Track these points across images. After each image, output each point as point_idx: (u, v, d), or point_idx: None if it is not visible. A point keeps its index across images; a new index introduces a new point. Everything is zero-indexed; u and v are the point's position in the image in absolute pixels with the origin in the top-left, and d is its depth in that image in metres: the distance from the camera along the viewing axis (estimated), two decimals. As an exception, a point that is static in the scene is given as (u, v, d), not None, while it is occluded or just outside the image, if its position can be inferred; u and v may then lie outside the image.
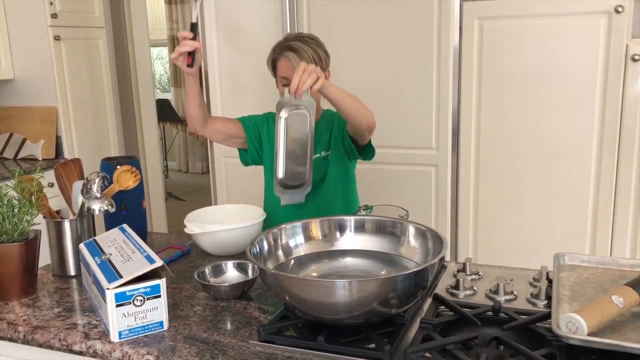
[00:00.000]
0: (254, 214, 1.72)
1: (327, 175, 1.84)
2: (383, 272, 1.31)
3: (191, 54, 1.54)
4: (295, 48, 1.69)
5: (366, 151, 1.79)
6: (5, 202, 1.33)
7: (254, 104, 2.72)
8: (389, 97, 2.47)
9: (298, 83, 1.42)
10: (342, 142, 1.79)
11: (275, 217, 1.79)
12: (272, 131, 1.85)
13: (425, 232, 1.30)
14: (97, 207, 1.49)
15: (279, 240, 1.34)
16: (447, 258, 2.44)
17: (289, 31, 2.55)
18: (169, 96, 6.89)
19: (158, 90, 7.28)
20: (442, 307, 1.23)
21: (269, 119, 1.89)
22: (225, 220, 1.71)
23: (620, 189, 2.24)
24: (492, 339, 1.10)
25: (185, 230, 1.63)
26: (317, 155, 1.82)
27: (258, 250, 1.26)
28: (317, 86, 1.45)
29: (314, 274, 1.32)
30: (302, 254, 1.35)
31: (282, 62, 1.72)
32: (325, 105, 1.88)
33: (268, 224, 1.67)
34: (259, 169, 2.84)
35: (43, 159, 3.16)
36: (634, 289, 1.09)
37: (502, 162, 2.37)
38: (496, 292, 1.29)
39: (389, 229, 1.36)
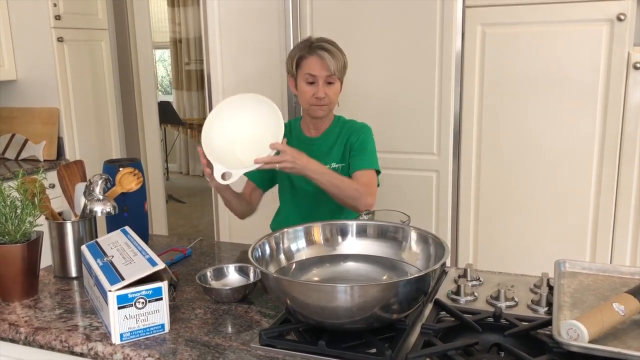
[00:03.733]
0: (266, 112, 1.61)
1: None
2: (384, 277, 1.31)
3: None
4: (331, 50, 1.72)
5: None
6: (8, 203, 1.33)
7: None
8: (391, 101, 2.48)
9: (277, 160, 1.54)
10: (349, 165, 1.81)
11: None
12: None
13: (427, 238, 1.30)
14: (99, 209, 1.49)
15: (280, 244, 1.34)
16: (448, 264, 2.44)
17: (291, 33, 2.56)
18: (170, 98, 6.90)
19: (160, 93, 7.29)
20: (443, 312, 1.23)
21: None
22: (241, 130, 1.64)
23: (621, 196, 2.24)
24: (492, 345, 1.10)
25: (221, 181, 1.57)
26: (327, 167, 1.79)
27: (260, 254, 1.26)
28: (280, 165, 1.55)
29: (316, 278, 1.32)
30: (304, 258, 1.35)
31: (312, 59, 1.72)
32: (339, 111, 1.87)
33: None
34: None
35: (44, 160, 3.16)
36: (635, 297, 1.09)
37: (503, 167, 2.38)
38: (497, 298, 1.29)
39: (391, 234, 1.36)
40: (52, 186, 2.62)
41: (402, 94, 2.46)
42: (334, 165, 1.81)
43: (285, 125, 1.91)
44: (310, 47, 1.74)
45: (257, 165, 1.52)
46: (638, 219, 2.24)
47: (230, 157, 1.60)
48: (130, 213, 1.68)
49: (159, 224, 4.14)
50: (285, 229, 1.36)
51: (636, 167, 2.20)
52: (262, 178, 1.91)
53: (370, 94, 2.50)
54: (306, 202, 1.85)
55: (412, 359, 1.02)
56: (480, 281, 1.41)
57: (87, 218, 1.52)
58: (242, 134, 1.64)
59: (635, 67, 2.13)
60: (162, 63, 7.42)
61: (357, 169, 1.77)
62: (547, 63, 2.24)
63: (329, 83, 1.74)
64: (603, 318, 1.03)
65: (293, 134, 1.88)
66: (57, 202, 1.99)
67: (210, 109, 2.82)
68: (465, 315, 1.19)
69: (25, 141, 3.21)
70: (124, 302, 1.15)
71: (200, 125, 6.84)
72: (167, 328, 1.21)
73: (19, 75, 3.22)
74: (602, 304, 1.07)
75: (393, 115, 2.49)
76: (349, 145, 1.81)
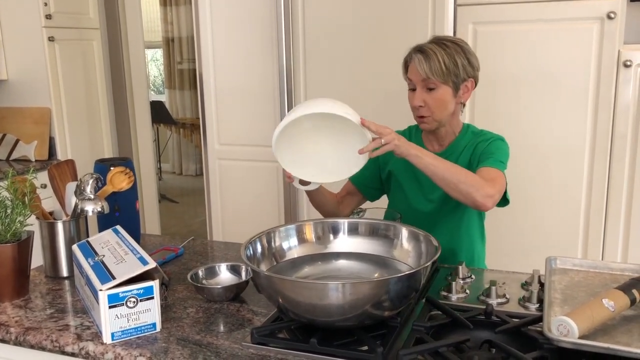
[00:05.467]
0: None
1: (458, 205, 1.59)
2: (376, 275, 1.31)
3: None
4: (425, 50, 1.53)
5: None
6: (-2, 202, 1.33)
7: (248, 106, 2.72)
8: (383, 101, 2.48)
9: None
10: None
11: None
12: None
13: (418, 235, 1.31)
14: (90, 208, 1.49)
15: (272, 243, 1.34)
16: (440, 261, 2.44)
17: (283, 33, 2.56)
18: (163, 98, 6.88)
19: (152, 92, 7.27)
20: (435, 310, 1.24)
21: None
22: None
23: (612, 193, 2.25)
24: (484, 341, 1.10)
25: (297, 185, 1.44)
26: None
27: (252, 252, 1.27)
28: (377, 153, 1.34)
29: (307, 276, 1.32)
30: (296, 256, 1.36)
31: (411, 65, 1.58)
32: (464, 117, 1.73)
33: None
34: (253, 171, 2.84)
35: (36, 160, 3.15)
36: (625, 293, 1.10)
37: (495, 166, 2.38)
38: (488, 295, 1.29)
39: (383, 232, 1.37)
40: (44, 186, 2.61)
41: (395, 93, 2.46)
42: None
43: (404, 132, 1.77)
44: (412, 50, 1.58)
45: (342, 177, 1.39)
46: (629, 215, 2.25)
47: (311, 159, 1.43)
48: (121, 212, 1.67)
49: (152, 224, 4.13)
50: (277, 227, 1.36)
51: (627, 164, 2.22)
52: (367, 186, 1.75)
53: (361, 92, 2.50)
54: (423, 224, 1.55)
55: (404, 356, 1.03)
56: (471, 278, 1.42)
57: (78, 217, 1.51)
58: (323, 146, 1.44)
59: (626, 65, 2.14)
60: (155, 62, 7.39)
61: (480, 167, 1.52)
62: (539, 61, 2.25)
63: (430, 89, 1.54)
64: (593, 314, 1.04)
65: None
66: (49, 202, 1.99)
67: (203, 108, 2.82)
68: (456, 312, 1.19)
69: (17, 141, 3.20)
70: (115, 301, 1.15)
71: (193, 125, 6.81)
72: (158, 327, 1.20)
73: (10, 75, 3.20)
74: (592, 300, 1.08)
75: (385, 114, 2.49)
76: (477, 154, 1.57)
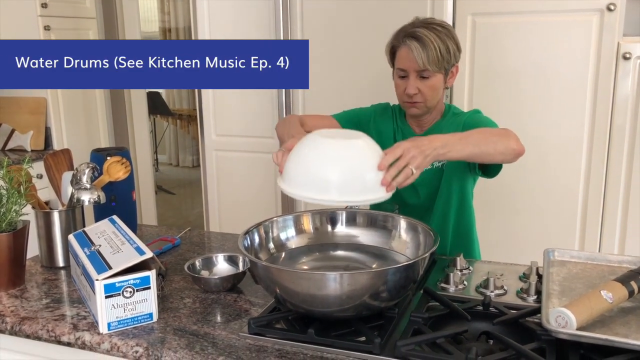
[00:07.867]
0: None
1: (439, 189, 1.61)
2: (374, 266, 1.31)
3: None
4: (420, 37, 1.46)
5: (489, 168, 1.52)
6: (-6, 192, 1.32)
7: (245, 97, 2.71)
8: (382, 96, 2.46)
9: (391, 178, 1.12)
10: None
11: None
12: (380, 128, 1.61)
13: (416, 226, 1.30)
14: (86, 198, 1.48)
15: (270, 233, 1.34)
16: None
17: (282, 32, 2.54)
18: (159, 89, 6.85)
19: (149, 83, 7.23)
20: (433, 301, 1.24)
21: (376, 114, 1.68)
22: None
23: (609, 186, 2.25)
24: (481, 333, 1.11)
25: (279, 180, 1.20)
26: (429, 166, 1.53)
27: (249, 242, 1.26)
28: (410, 181, 1.15)
29: (305, 267, 1.32)
30: (294, 247, 1.35)
31: (402, 51, 1.51)
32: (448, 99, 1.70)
33: None
34: (250, 162, 2.83)
35: (32, 150, 3.13)
36: (623, 285, 1.10)
37: (493, 158, 2.38)
38: (486, 286, 1.29)
39: (381, 223, 1.36)
40: (40, 176, 2.59)
41: (394, 91, 2.45)
42: (437, 163, 1.58)
43: (386, 110, 1.70)
44: (403, 35, 1.50)
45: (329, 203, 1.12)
46: (626, 207, 2.25)
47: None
48: (118, 202, 1.66)
49: (148, 215, 4.12)
50: (275, 218, 1.35)
51: (625, 157, 2.22)
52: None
53: (360, 89, 2.49)
54: (413, 193, 1.62)
55: (401, 347, 1.02)
56: (469, 270, 1.42)
57: (75, 207, 1.50)
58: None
59: (625, 58, 2.13)
60: (152, 53, 7.35)
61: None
62: (538, 53, 2.24)
63: (423, 77, 1.51)
64: (591, 305, 1.04)
65: (399, 125, 1.65)
66: (45, 192, 1.97)
67: (200, 99, 2.81)
68: (454, 303, 1.19)
69: (12, 131, 3.18)
70: (111, 291, 1.14)
71: (190, 116, 6.77)
72: (155, 317, 1.20)
73: (6, 65, 3.18)
74: (591, 292, 1.08)
75: (383, 105, 2.48)
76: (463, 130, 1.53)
